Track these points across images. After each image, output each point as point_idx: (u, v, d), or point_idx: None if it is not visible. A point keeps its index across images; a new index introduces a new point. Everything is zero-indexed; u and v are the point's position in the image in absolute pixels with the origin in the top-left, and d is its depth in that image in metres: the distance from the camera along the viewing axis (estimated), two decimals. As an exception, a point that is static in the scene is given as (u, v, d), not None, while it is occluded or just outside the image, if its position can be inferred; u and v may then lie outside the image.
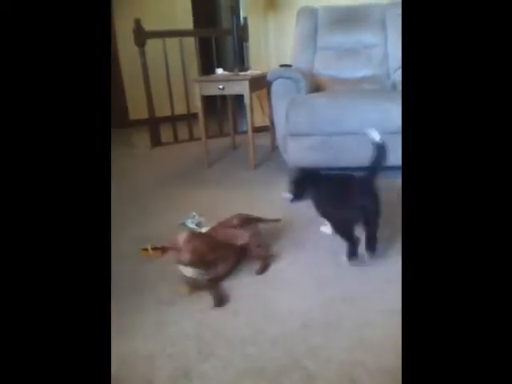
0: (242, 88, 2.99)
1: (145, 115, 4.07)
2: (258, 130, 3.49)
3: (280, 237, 1.95)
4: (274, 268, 1.69)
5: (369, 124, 2.56)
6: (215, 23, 6.24)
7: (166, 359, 1.22)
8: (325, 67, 3.24)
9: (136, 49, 3.76)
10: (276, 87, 2.82)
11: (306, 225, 2.06)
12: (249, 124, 3.07)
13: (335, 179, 1.84)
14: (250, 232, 1.74)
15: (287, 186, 1.81)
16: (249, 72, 3.29)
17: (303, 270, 1.67)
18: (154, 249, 1.85)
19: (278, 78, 2.81)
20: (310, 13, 3.38)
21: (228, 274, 1.64)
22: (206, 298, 1.49)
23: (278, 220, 2.01)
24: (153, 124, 4.08)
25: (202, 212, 2.21)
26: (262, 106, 3.97)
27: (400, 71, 2.92)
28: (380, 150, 1.70)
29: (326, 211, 1.79)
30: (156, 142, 4.12)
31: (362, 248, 1.67)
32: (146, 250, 1.84)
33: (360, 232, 1.67)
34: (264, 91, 3.42)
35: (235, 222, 1.79)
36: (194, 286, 1.55)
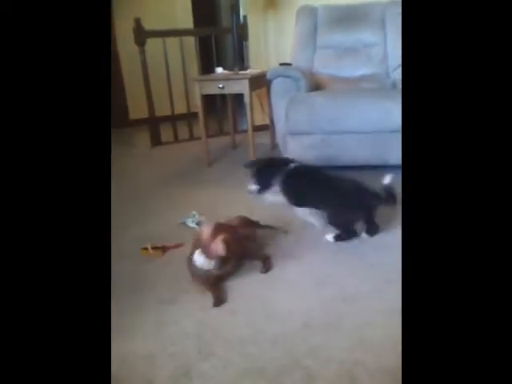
0: (241, 87, 2.98)
1: (145, 114, 4.06)
2: (257, 128, 3.48)
3: (279, 236, 1.95)
4: (273, 268, 1.69)
5: (368, 123, 2.58)
6: (215, 22, 6.23)
7: (167, 359, 1.22)
8: (324, 66, 3.24)
9: (136, 48, 3.75)
10: (276, 86, 2.82)
11: (305, 224, 2.05)
12: (249, 123, 3.07)
13: (304, 170, 1.96)
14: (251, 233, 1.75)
15: (250, 179, 1.81)
16: (248, 71, 3.28)
17: (303, 269, 1.67)
18: (155, 248, 1.85)
19: (278, 76, 2.81)
20: (310, 11, 3.37)
21: (232, 273, 1.64)
22: (207, 297, 1.49)
23: (276, 229, 2.00)
24: (153, 123, 4.07)
25: (202, 211, 2.21)
26: (261, 105, 3.97)
27: (400, 70, 2.92)
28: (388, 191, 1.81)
29: (298, 198, 1.88)
30: (156, 141, 4.11)
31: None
32: (146, 249, 1.85)
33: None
34: (264, 90, 3.41)
35: (236, 223, 1.79)
36: (203, 280, 1.55)
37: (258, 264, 1.69)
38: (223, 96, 3.99)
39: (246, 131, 3.37)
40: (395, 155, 2.52)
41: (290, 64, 3.17)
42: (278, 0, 3.98)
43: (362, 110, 2.60)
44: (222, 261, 1.56)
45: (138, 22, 3.67)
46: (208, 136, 3.36)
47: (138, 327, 1.37)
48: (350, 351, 1.20)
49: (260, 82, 3.17)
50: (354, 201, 1.81)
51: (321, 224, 1.90)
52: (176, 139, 4.14)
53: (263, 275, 1.64)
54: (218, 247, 1.50)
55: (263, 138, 3.68)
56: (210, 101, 3.48)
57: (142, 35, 3.71)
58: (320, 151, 2.70)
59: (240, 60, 3.39)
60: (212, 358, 1.21)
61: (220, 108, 4.20)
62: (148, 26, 3.73)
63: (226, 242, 1.51)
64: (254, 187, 1.88)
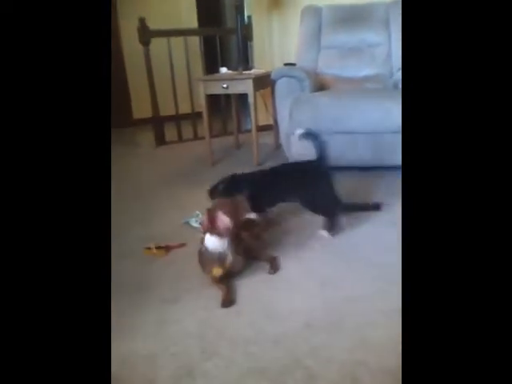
0: (246, 87, 2.99)
1: (149, 114, 4.08)
2: (261, 128, 3.49)
3: (281, 237, 1.95)
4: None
5: (370, 123, 2.58)
6: (219, 22, 6.24)
7: (169, 358, 1.23)
8: (328, 66, 3.24)
9: (140, 48, 3.77)
10: (280, 86, 2.83)
11: (307, 224, 2.06)
12: (253, 123, 3.08)
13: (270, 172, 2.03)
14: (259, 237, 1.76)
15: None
16: (253, 71, 3.29)
17: (304, 269, 1.67)
18: (158, 248, 1.86)
19: (282, 76, 2.82)
20: (314, 12, 3.37)
21: (239, 272, 1.65)
22: (209, 297, 1.50)
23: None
24: (157, 123, 4.08)
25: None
26: (265, 105, 3.97)
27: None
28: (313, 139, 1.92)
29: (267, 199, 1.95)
30: (160, 140, 4.12)
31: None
32: (150, 248, 1.85)
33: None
34: (268, 90, 3.42)
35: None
36: (217, 266, 1.57)
37: (264, 264, 1.69)
38: (227, 96, 4.00)
39: (249, 131, 3.38)
40: (397, 156, 2.51)
41: (294, 64, 3.18)
42: (283, 0, 3.98)
43: (364, 110, 2.60)
44: (233, 239, 1.59)
45: (142, 21, 3.68)
46: (212, 136, 3.36)
47: (139, 326, 1.38)
48: (352, 351, 1.20)
49: (264, 82, 3.18)
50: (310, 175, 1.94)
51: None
52: (180, 139, 4.15)
53: (265, 275, 1.64)
54: (222, 219, 1.54)
55: (267, 138, 3.69)
56: (214, 101, 3.49)
57: (146, 35, 3.72)
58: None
59: (244, 60, 3.40)
60: (215, 358, 1.21)
61: (224, 108, 4.21)
62: (152, 25, 3.74)
63: (228, 213, 1.55)
64: None
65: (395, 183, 1.81)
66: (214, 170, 3.14)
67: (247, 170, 2.11)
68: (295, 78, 2.80)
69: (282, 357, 1.20)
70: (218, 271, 1.56)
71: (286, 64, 3.15)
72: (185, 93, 3.97)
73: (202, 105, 3.13)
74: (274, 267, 1.67)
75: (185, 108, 4.03)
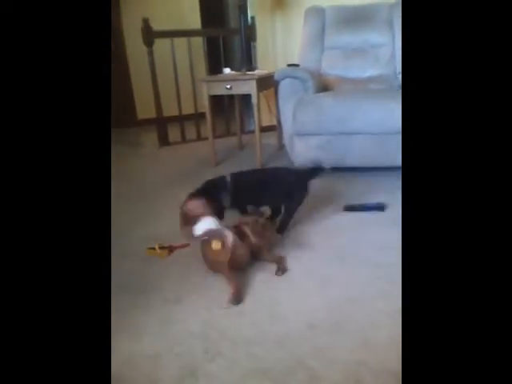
0: (249, 88, 2.99)
1: (153, 115, 4.09)
2: (265, 129, 3.49)
3: (284, 237, 1.95)
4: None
5: (373, 124, 2.58)
6: (223, 23, 6.24)
7: (172, 358, 1.23)
8: (332, 67, 3.24)
9: (144, 48, 3.78)
10: (283, 87, 2.83)
11: (309, 224, 2.06)
12: (256, 123, 3.08)
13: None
14: (264, 236, 1.77)
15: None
16: (256, 72, 3.29)
17: (307, 270, 1.67)
18: (162, 248, 1.86)
19: (286, 77, 2.82)
20: (318, 12, 3.37)
21: (245, 263, 1.68)
22: (212, 297, 1.50)
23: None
24: (160, 123, 4.09)
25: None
26: (269, 106, 3.97)
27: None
28: None
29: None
30: (164, 141, 4.13)
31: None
32: (153, 249, 1.86)
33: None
34: (271, 91, 3.42)
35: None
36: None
37: (266, 265, 1.69)
38: (231, 96, 4.01)
39: (253, 132, 3.38)
40: (400, 157, 2.51)
41: (297, 65, 3.18)
42: (286, 1, 3.99)
43: (368, 110, 2.60)
44: (235, 232, 1.66)
45: (146, 22, 3.69)
46: (215, 136, 3.37)
47: (143, 326, 1.38)
48: (355, 352, 1.20)
49: (267, 83, 3.18)
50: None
51: None
52: (183, 139, 4.16)
53: (266, 275, 1.64)
54: (190, 204, 1.75)
55: (270, 139, 3.69)
56: (217, 101, 3.50)
57: (150, 35, 3.73)
58: (327, 152, 2.70)
59: (248, 61, 3.40)
60: (218, 358, 1.22)
61: (227, 108, 4.21)
62: (156, 26, 3.75)
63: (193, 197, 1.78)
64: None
65: (398, 184, 1.81)
66: (217, 171, 3.15)
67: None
68: (299, 78, 2.80)
69: (284, 357, 1.20)
70: (217, 244, 1.58)
71: (289, 65, 3.15)
72: (188, 93, 3.97)
73: (205, 105, 3.14)
74: (282, 268, 1.66)
75: (188, 109, 4.04)
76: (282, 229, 1.99)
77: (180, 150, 3.96)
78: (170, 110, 4.04)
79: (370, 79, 3.12)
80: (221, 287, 1.56)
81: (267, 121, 3.93)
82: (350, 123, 2.62)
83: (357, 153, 2.68)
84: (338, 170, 2.81)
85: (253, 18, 3.96)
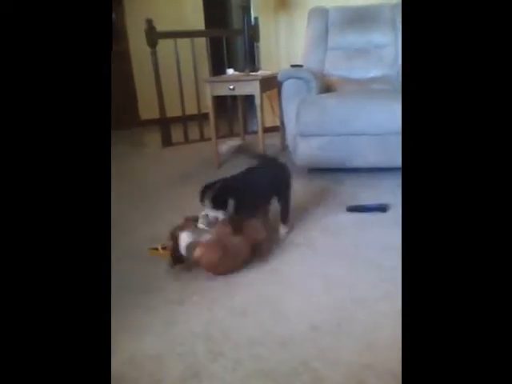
0: (252, 88, 2.99)
1: (156, 115, 4.09)
2: (268, 130, 3.49)
3: (288, 237, 1.95)
4: (281, 269, 1.69)
5: (376, 124, 2.58)
6: (226, 23, 6.25)
7: (176, 358, 1.23)
8: (335, 67, 3.24)
9: (147, 49, 3.78)
10: (287, 87, 2.82)
11: (312, 225, 2.06)
12: (259, 124, 3.07)
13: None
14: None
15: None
16: (259, 72, 3.29)
17: (310, 270, 1.67)
18: (164, 248, 1.86)
19: (289, 78, 2.82)
20: (321, 13, 3.37)
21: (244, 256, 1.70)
22: (214, 297, 1.50)
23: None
24: (164, 124, 4.10)
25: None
26: (272, 107, 3.97)
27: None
28: None
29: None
30: (167, 141, 4.14)
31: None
32: (155, 249, 1.86)
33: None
34: (274, 91, 3.42)
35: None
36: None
37: (271, 266, 1.70)
38: (234, 97, 4.01)
39: (256, 132, 3.38)
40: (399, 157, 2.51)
41: (301, 65, 3.18)
42: (290, 1, 3.99)
43: (371, 111, 2.59)
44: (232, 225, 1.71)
45: (149, 23, 3.70)
46: (218, 137, 3.37)
47: (146, 327, 1.38)
48: (359, 354, 1.20)
49: (271, 84, 3.18)
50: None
51: None
52: (186, 140, 4.16)
53: (269, 276, 1.64)
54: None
55: (273, 140, 3.68)
56: (220, 102, 3.50)
57: (153, 36, 3.74)
58: (330, 153, 2.70)
59: (251, 61, 3.40)
60: (221, 359, 1.21)
61: (230, 109, 4.21)
62: (159, 27, 3.76)
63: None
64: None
65: (400, 185, 1.80)
66: (220, 172, 3.15)
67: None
68: (302, 79, 2.80)
69: (288, 359, 1.20)
70: (198, 252, 1.63)
71: (292, 65, 3.15)
72: (191, 94, 3.98)
73: (208, 106, 3.14)
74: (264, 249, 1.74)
75: (191, 109, 4.05)
76: (286, 217, 1.98)
77: (183, 150, 3.96)
78: (174, 110, 4.04)
79: (374, 80, 3.11)
80: (222, 288, 1.56)
81: (270, 121, 3.94)
82: (353, 124, 2.61)
83: (360, 153, 2.68)
84: (340, 170, 2.81)
85: (256, 18, 3.96)
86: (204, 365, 1.20)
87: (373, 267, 1.65)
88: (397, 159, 2.56)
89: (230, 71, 3.36)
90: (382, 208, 2.17)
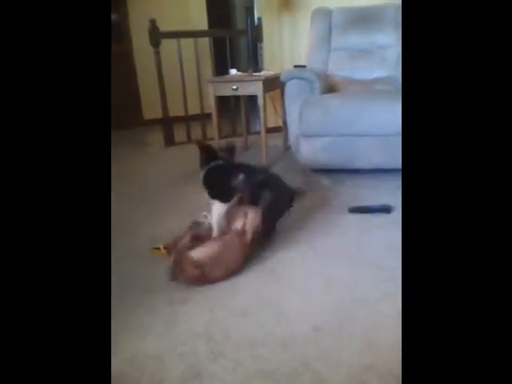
0: (255, 89, 2.99)
1: (159, 115, 4.10)
2: (270, 130, 3.49)
3: (288, 237, 1.95)
4: (282, 269, 1.69)
5: (379, 125, 2.57)
6: (229, 23, 6.25)
7: (177, 358, 1.23)
8: (339, 68, 3.24)
9: (151, 49, 3.79)
10: (290, 88, 2.82)
11: (314, 226, 2.05)
12: (262, 124, 3.07)
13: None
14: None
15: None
16: (262, 73, 3.29)
17: (311, 271, 1.67)
18: (166, 248, 1.86)
19: (292, 78, 2.81)
20: (324, 14, 3.37)
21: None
22: (216, 298, 1.50)
23: None
24: (167, 124, 4.10)
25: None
26: (275, 107, 3.97)
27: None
28: None
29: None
30: (169, 141, 4.14)
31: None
32: (158, 249, 1.86)
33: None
34: (277, 92, 3.42)
35: None
36: None
37: (272, 266, 1.69)
38: (237, 97, 4.01)
39: (258, 133, 3.38)
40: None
41: (304, 66, 3.17)
42: (293, 2, 3.98)
43: (374, 112, 2.59)
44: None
45: (153, 23, 3.70)
46: (221, 137, 3.37)
47: (147, 327, 1.38)
48: (360, 355, 1.20)
49: (274, 84, 3.17)
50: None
51: None
52: (189, 139, 4.16)
53: (270, 276, 1.64)
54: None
55: (276, 140, 3.68)
56: (223, 102, 3.50)
57: (156, 36, 3.74)
58: (333, 154, 2.70)
59: (254, 62, 3.40)
60: (222, 359, 1.21)
61: (233, 109, 4.22)
62: (163, 27, 3.76)
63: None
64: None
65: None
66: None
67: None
68: (305, 79, 2.80)
69: (289, 359, 1.19)
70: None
71: (295, 66, 3.15)
72: (194, 94, 3.98)
73: (211, 106, 3.14)
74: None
75: (194, 109, 4.05)
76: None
77: (186, 150, 3.96)
78: (176, 110, 4.04)
79: (377, 80, 3.11)
80: (223, 288, 1.56)
81: (273, 122, 3.93)
82: (356, 124, 2.61)
83: (363, 154, 2.67)
84: (343, 171, 2.80)
85: (259, 18, 3.96)
86: (205, 365, 1.20)
87: (373, 267, 1.65)
88: (399, 160, 2.55)
89: (233, 71, 3.37)
90: (385, 209, 2.16)
